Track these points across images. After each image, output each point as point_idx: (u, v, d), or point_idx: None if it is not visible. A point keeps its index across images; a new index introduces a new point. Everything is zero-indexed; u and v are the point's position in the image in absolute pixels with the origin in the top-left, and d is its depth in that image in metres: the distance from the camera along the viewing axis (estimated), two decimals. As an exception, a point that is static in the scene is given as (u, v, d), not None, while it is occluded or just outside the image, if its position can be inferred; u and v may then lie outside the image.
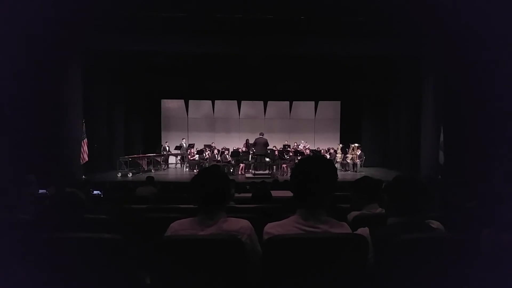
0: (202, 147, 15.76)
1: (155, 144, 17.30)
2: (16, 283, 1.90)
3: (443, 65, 11.25)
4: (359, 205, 3.18)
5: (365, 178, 3.37)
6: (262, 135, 14.13)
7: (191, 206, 3.91)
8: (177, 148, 16.21)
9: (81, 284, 1.96)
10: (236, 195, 6.02)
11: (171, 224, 2.12)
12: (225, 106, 19.21)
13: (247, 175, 14.04)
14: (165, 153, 16.43)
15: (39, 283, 1.93)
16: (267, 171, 14.16)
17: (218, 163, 13.60)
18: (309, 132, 18.89)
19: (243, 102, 19.10)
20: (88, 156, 11.89)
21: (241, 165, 14.84)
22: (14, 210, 2.78)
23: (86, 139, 11.80)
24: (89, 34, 11.37)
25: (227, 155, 14.92)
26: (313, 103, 19.17)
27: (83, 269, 1.96)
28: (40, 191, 4.93)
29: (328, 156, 15.33)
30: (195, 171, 14.38)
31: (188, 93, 18.56)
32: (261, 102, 19.12)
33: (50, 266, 1.95)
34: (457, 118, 10.71)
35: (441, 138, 11.15)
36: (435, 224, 2.08)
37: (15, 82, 9.10)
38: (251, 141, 14.73)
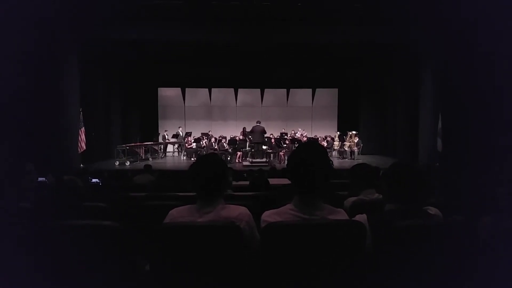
0: (199, 135, 15.74)
1: (152, 133, 17.29)
2: (16, 271, 1.91)
3: (441, 52, 11.22)
4: (357, 191, 3.20)
5: (361, 164, 3.39)
6: (259, 123, 14.11)
7: (189, 194, 3.93)
8: (174, 136, 16.21)
9: (80, 271, 1.97)
10: (234, 183, 6.05)
11: (170, 211, 2.13)
12: (222, 94, 19.15)
13: (245, 163, 14.07)
14: (165, 141, 16.43)
15: (39, 270, 1.94)
16: (264, 159, 14.17)
17: (215, 152, 13.61)
18: (307, 120, 18.88)
19: (240, 90, 19.05)
20: (86, 145, 11.86)
21: (239, 153, 14.86)
22: (14, 198, 2.78)
23: (83, 127, 11.76)
24: (86, 23, 11.27)
25: (224, 143, 14.92)
26: (310, 90, 19.14)
27: (83, 256, 1.97)
28: (39, 179, 4.94)
29: (325, 144, 15.36)
30: (192, 159, 14.40)
31: (185, 81, 18.49)
32: (258, 90, 19.08)
33: (50, 253, 1.96)
34: (455, 105, 10.71)
35: (439, 125, 11.17)
36: (433, 210, 2.09)
37: (13, 71, 9.04)
38: (248, 129, 14.72)
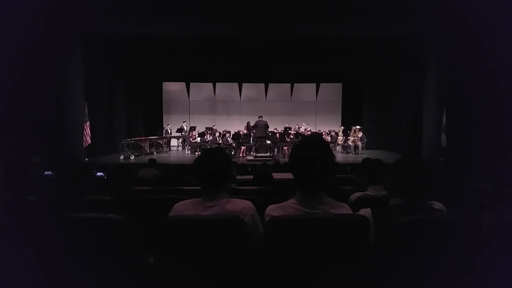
0: (203, 129, 15.76)
1: (156, 127, 17.32)
2: (24, 263, 1.93)
3: (446, 46, 11.14)
4: (363, 187, 3.21)
5: (367, 160, 3.39)
6: (262, 118, 14.14)
7: (194, 187, 3.94)
8: (178, 130, 16.24)
9: (85, 264, 1.99)
10: (238, 177, 6.06)
11: (175, 205, 2.15)
12: (226, 89, 19.15)
13: (249, 157, 14.08)
14: (167, 135, 16.47)
15: (46, 262, 1.96)
16: (268, 154, 14.17)
17: (220, 146, 13.61)
18: (311, 115, 18.85)
19: (244, 85, 19.03)
20: (91, 139, 11.92)
21: (242, 147, 14.85)
22: (21, 192, 2.80)
23: (88, 121, 11.82)
24: (91, 17, 11.27)
25: (228, 138, 14.93)
26: (314, 85, 19.07)
27: (87, 249, 1.99)
28: (46, 172, 4.96)
29: (329, 139, 15.33)
30: (196, 153, 14.41)
31: (190, 75, 18.49)
32: (262, 85, 19.04)
33: (54, 245, 1.97)
34: (460, 100, 10.65)
35: (444, 120, 11.12)
36: (437, 205, 2.09)
37: (19, 67, 9.08)
38: (252, 124, 14.71)
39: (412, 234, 1.87)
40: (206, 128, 15.95)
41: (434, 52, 11.89)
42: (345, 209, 1.99)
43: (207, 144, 14.70)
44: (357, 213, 2.02)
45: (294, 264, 1.86)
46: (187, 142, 16.25)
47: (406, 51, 14.27)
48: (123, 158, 13.33)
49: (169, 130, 16.63)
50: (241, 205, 2.11)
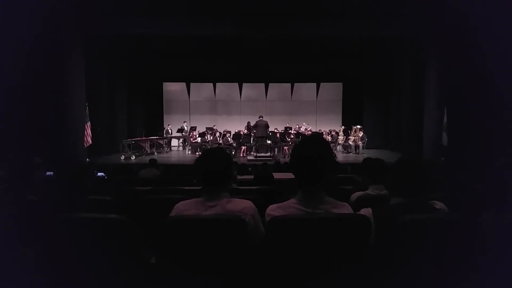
0: (204, 130, 15.77)
1: (157, 127, 17.33)
2: (24, 263, 1.93)
3: (446, 46, 11.14)
4: (364, 186, 3.20)
5: (368, 159, 3.38)
6: (262, 118, 14.14)
7: (194, 188, 3.95)
8: (179, 131, 16.24)
9: (86, 264, 1.99)
10: (238, 177, 6.06)
11: (176, 205, 2.15)
12: (226, 89, 19.15)
13: (249, 157, 14.09)
14: (168, 136, 16.48)
15: (46, 262, 1.96)
16: (268, 154, 14.18)
17: (220, 146, 13.62)
18: (311, 114, 18.84)
19: (244, 85, 19.03)
20: (92, 139, 11.92)
21: (243, 147, 14.85)
22: (23, 192, 2.80)
23: (89, 122, 11.82)
24: (91, 18, 11.27)
25: (228, 138, 14.93)
26: (314, 85, 19.07)
27: (89, 249, 1.99)
28: (47, 173, 4.96)
29: (330, 138, 15.34)
30: (197, 153, 14.42)
31: (190, 75, 18.50)
32: (263, 85, 19.04)
33: (55, 245, 1.98)
34: (461, 100, 10.64)
35: (445, 120, 11.11)
36: (438, 205, 2.09)
37: (20, 67, 9.08)
38: (253, 124, 14.72)
39: (413, 233, 1.87)
40: (206, 128, 15.95)
41: (434, 52, 11.88)
42: (346, 209, 1.99)
43: (207, 144, 14.71)
44: (358, 212, 2.02)
45: (294, 264, 1.85)
46: (187, 142, 16.26)
47: (406, 51, 14.27)
48: (124, 158, 13.35)
49: (169, 130, 16.63)
50: (242, 205, 2.11)
